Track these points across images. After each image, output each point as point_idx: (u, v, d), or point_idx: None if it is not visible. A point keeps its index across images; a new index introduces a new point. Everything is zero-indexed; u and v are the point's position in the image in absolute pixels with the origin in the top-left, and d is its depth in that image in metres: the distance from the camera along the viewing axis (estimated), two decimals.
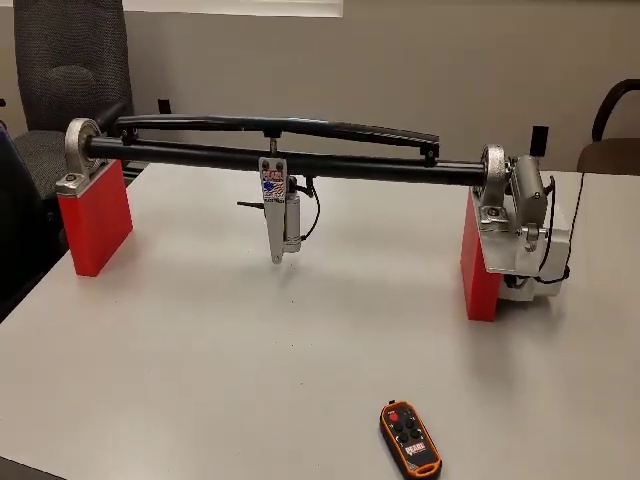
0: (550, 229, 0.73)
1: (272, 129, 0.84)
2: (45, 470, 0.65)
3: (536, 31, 1.96)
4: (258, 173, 0.86)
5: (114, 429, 0.70)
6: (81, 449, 0.67)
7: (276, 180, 0.86)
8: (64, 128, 0.89)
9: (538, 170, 0.76)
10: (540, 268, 0.72)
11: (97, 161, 0.93)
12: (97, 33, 2.01)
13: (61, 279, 0.94)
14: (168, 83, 2.36)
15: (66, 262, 0.97)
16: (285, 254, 0.94)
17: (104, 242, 0.97)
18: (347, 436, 0.68)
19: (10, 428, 0.70)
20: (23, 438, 0.69)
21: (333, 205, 1.12)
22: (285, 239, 0.91)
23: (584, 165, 1.84)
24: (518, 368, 0.77)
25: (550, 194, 0.73)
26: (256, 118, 0.85)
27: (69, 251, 0.96)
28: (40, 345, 0.82)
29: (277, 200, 0.87)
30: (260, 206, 0.90)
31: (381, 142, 0.83)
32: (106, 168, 0.94)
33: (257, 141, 0.88)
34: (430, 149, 0.81)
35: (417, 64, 2.09)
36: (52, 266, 0.97)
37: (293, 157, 0.85)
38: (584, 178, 1.18)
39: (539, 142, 2.13)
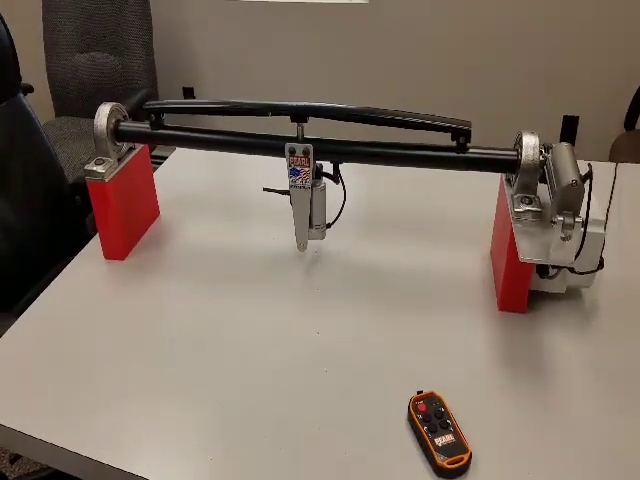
0: (586, 218, 0.71)
1: (299, 114, 0.83)
2: (79, 452, 0.66)
3: (567, 18, 1.90)
4: (284, 159, 0.85)
5: (144, 412, 0.70)
6: (108, 431, 0.68)
7: (302, 166, 0.85)
8: (90, 114, 0.89)
9: (575, 157, 0.73)
10: (575, 258, 0.70)
11: (125, 146, 0.93)
12: (123, 19, 2.02)
13: (89, 263, 0.95)
14: (193, 70, 2.36)
15: (94, 246, 0.98)
16: (310, 241, 0.93)
17: (132, 226, 0.97)
18: (374, 425, 0.68)
19: (42, 409, 0.71)
20: (54, 419, 0.70)
21: (359, 192, 1.10)
22: (311, 226, 0.90)
23: (616, 156, 1.78)
24: (550, 361, 0.75)
25: (587, 182, 0.70)
26: (283, 103, 0.84)
27: (97, 235, 0.97)
28: (68, 328, 0.83)
29: (303, 187, 0.86)
30: (286, 192, 0.89)
31: (411, 127, 0.81)
32: (134, 153, 0.94)
33: (283, 129, 0.87)
34: (462, 134, 0.79)
35: (445, 51, 2.05)
36: (79, 250, 0.98)
37: (320, 143, 0.84)
38: (617, 168, 1.14)
39: (569, 132, 2.08)
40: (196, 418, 0.69)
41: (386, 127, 0.82)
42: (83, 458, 0.65)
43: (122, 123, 0.91)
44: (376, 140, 0.85)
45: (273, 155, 0.87)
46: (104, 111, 0.88)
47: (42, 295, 0.89)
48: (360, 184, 1.13)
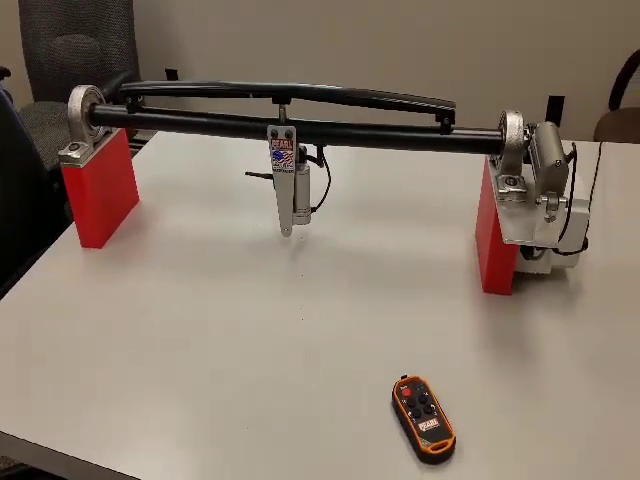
0: (570, 199, 0.70)
1: (281, 95, 0.81)
2: (65, 452, 0.64)
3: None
4: (267, 142, 0.83)
5: (127, 409, 0.69)
6: (90, 428, 0.67)
7: (285, 149, 0.83)
8: None
9: (559, 137, 0.72)
10: (559, 239, 0.70)
11: (101, 130, 0.91)
12: (103, 0, 1.96)
13: (66, 252, 0.93)
14: (176, 52, 2.31)
15: (71, 234, 0.95)
16: (295, 226, 0.92)
17: (109, 213, 0.95)
18: (358, 412, 0.67)
19: (21, 407, 0.69)
20: (35, 418, 0.68)
21: (344, 175, 1.09)
22: (295, 211, 0.89)
23: (601, 135, 1.78)
24: (535, 342, 0.75)
25: (571, 162, 0.70)
26: (264, 84, 0.82)
27: (74, 223, 0.94)
28: (44, 322, 0.81)
29: (286, 170, 0.85)
30: (269, 177, 0.87)
31: (395, 108, 0.79)
32: (110, 137, 0.92)
33: (266, 111, 0.85)
34: (446, 115, 0.77)
35: (430, 31, 2.03)
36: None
37: (303, 125, 0.82)
38: (602, 147, 1.14)
39: (555, 112, 2.07)
40: (181, 410, 0.68)
41: (370, 109, 0.81)
42: (69, 458, 0.64)
43: (98, 106, 0.88)
44: (360, 122, 0.83)
45: (255, 138, 0.85)
46: (78, 94, 0.85)
47: (15, 287, 0.86)
48: (345, 167, 1.11)
